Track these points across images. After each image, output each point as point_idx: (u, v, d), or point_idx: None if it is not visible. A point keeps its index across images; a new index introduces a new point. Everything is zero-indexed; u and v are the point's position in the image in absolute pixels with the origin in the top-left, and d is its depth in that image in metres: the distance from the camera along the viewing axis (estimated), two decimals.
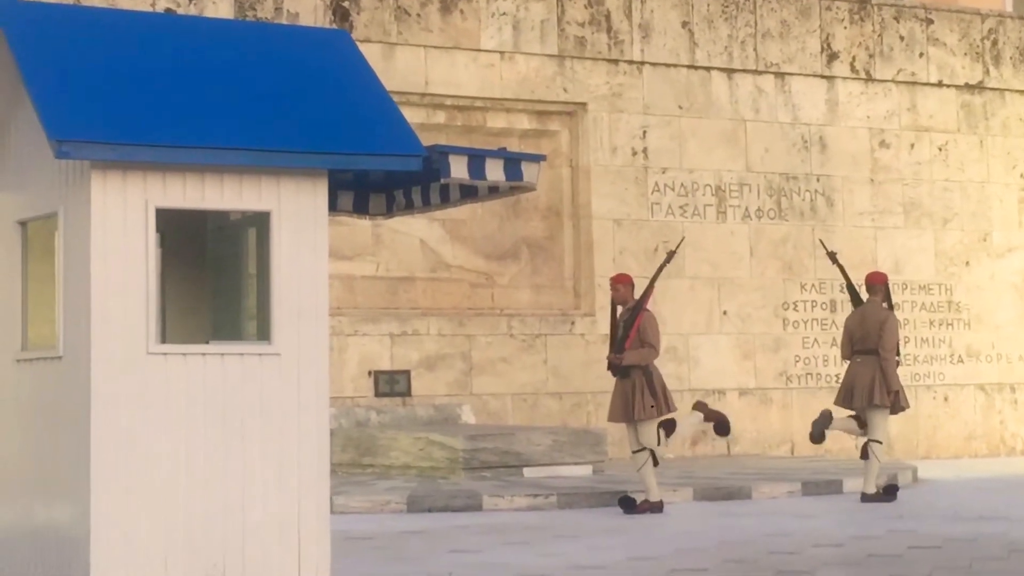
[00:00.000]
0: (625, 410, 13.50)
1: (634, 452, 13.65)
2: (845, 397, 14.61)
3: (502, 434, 16.41)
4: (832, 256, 15.06)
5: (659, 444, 13.56)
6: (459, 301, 19.34)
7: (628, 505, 13.70)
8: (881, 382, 14.31)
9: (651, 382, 13.44)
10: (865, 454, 14.51)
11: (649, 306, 13.79)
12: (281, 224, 7.65)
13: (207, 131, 7.49)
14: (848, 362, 14.82)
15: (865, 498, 14.46)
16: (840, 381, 15.21)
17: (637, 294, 13.88)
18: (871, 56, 21.69)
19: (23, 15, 7.82)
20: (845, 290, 15.37)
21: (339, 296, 17.90)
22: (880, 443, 14.50)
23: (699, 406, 14.09)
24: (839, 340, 15.39)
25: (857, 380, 14.43)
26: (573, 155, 20.03)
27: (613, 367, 13.58)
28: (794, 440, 20.66)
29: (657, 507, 13.67)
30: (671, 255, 14.23)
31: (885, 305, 14.62)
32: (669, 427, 13.58)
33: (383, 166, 7.94)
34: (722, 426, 13.93)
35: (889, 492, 14.60)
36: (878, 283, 14.69)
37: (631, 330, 13.46)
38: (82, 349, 7.34)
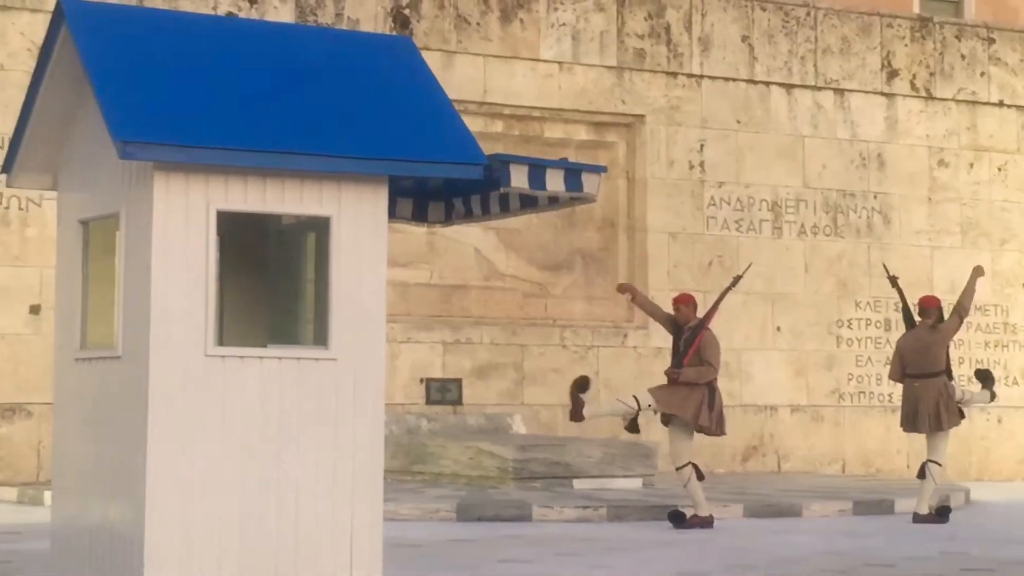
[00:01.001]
0: (670, 400, 13.39)
1: (677, 468, 13.60)
2: (908, 421, 14.52)
3: (552, 445, 16.39)
4: (893, 280, 14.97)
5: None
6: (512, 310, 19.33)
7: (678, 519, 13.65)
8: (946, 406, 14.26)
9: (712, 400, 13.41)
10: (923, 473, 14.42)
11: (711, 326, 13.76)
12: (341, 229, 7.66)
13: (270, 135, 7.51)
14: (899, 383, 14.74)
15: (917, 518, 14.36)
16: (893, 401, 15.10)
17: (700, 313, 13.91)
18: (932, 74, 21.56)
19: (90, 16, 7.87)
20: (900, 311, 15.30)
21: (392, 303, 17.92)
22: (940, 465, 14.42)
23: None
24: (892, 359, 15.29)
25: (921, 404, 14.35)
26: (630, 167, 20.00)
27: (671, 382, 13.56)
28: (845, 458, 20.54)
29: (707, 522, 13.62)
30: (737, 279, 14.18)
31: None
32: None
33: (444, 173, 7.95)
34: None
35: (941, 513, 14.49)
36: (931, 307, 14.63)
37: (691, 347, 13.44)
38: (141, 349, 7.37)
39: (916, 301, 14.99)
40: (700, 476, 13.59)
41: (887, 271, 15.60)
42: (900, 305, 15.16)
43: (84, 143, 8.12)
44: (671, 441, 13.66)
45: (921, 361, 14.43)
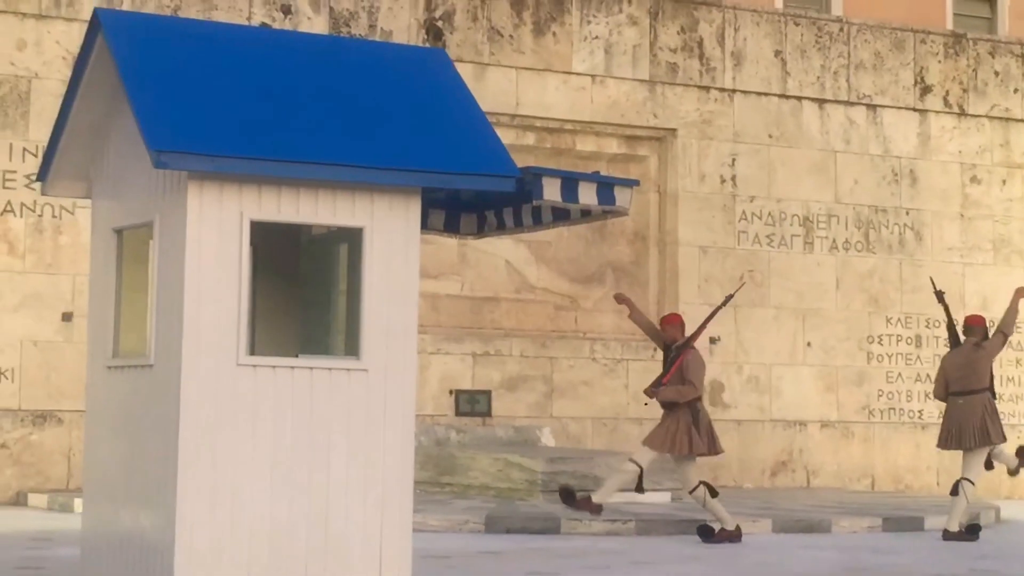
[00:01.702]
0: (664, 440, 13.35)
1: (690, 492, 13.57)
2: (952, 438, 14.43)
3: (581, 458, 16.37)
4: (939, 295, 14.89)
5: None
6: (542, 323, 19.33)
7: (706, 534, 13.63)
8: (992, 420, 14.22)
9: (697, 421, 13.34)
10: (956, 491, 14.36)
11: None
12: (373, 241, 7.68)
13: (304, 146, 7.54)
14: (943, 402, 14.67)
15: (947, 536, 14.30)
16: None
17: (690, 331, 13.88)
18: (965, 91, 21.51)
19: (126, 26, 7.92)
20: (945, 329, 15.22)
21: (423, 314, 17.93)
22: (972, 483, 14.36)
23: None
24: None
25: (966, 420, 14.27)
26: (661, 181, 19.99)
27: (665, 410, 13.52)
28: (875, 474, 20.47)
29: (735, 536, 13.59)
30: (728, 298, 14.21)
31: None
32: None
33: (477, 186, 7.96)
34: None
35: (971, 531, 14.43)
36: (977, 325, 14.59)
37: (672, 367, 13.40)
38: (173, 358, 7.40)
39: (961, 319, 14.92)
40: (714, 493, 13.55)
41: (934, 285, 15.43)
42: (946, 322, 15.04)
43: (119, 152, 8.17)
44: (676, 469, 13.69)
45: (965, 378, 14.36)
